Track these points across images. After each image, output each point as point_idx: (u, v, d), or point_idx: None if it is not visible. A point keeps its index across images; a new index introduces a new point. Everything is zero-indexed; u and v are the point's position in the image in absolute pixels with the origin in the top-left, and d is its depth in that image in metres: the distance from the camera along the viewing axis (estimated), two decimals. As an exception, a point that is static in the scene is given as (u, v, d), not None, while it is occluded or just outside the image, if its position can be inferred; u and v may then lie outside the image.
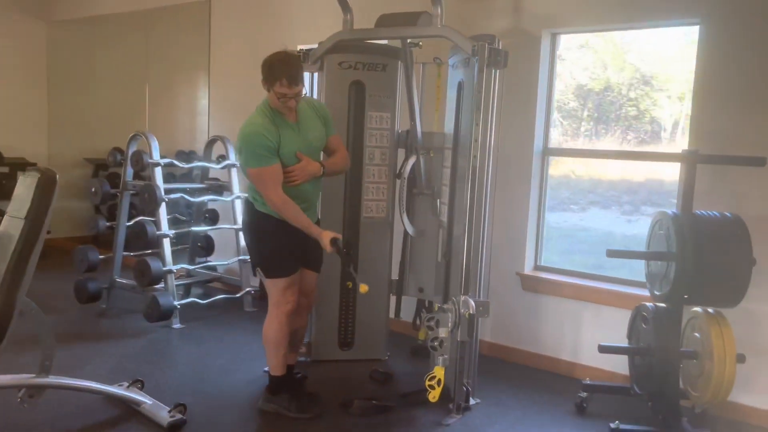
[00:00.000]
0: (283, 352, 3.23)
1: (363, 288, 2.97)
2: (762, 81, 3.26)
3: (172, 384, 3.61)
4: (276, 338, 3.19)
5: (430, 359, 3.87)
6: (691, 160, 3.03)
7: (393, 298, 4.08)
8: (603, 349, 3.25)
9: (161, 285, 4.55)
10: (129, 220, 4.81)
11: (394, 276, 4.06)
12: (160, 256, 4.57)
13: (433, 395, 3.22)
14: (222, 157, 5.20)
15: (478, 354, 3.51)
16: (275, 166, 2.96)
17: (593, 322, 3.85)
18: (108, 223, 4.80)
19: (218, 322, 4.76)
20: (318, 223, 3.33)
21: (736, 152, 3.21)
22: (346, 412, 3.29)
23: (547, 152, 4.09)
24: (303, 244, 3.18)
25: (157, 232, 4.52)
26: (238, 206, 5.09)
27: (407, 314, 4.13)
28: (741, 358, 3.01)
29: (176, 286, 4.67)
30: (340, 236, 3.07)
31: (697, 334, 3.14)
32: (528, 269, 4.12)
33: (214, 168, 5.13)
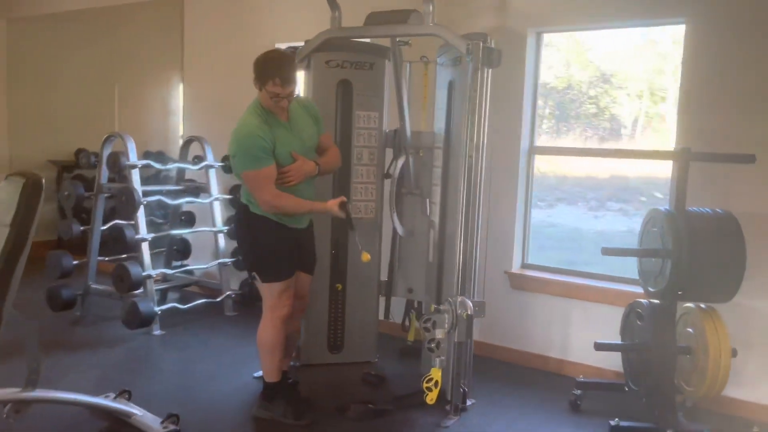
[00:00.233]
0: (278, 357, 3.16)
1: (365, 256, 2.99)
2: (747, 79, 3.32)
3: (160, 393, 3.50)
4: (271, 343, 3.12)
5: (421, 360, 3.87)
6: (684, 158, 3.06)
7: (381, 299, 4.04)
8: (599, 347, 3.26)
9: (140, 290, 4.41)
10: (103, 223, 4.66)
11: (383, 277, 4.02)
12: (139, 260, 4.42)
13: (431, 397, 3.19)
14: (198, 158, 5.08)
15: (472, 354, 3.50)
16: (271, 167, 2.89)
17: (581, 319, 3.88)
18: (82, 227, 4.62)
19: (199, 327, 4.64)
20: (312, 223, 3.26)
21: (722, 149, 3.26)
22: (343, 417, 3.24)
23: (534, 151, 4.10)
24: (299, 246, 3.11)
25: (136, 236, 4.37)
26: (217, 208, 4.97)
27: (396, 315, 4.10)
28: (733, 353, 3.06)
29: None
30: (345, 199, 3.06)
31: (690, 330, 3.19)
32: (516, 267, 4.13)
33: (191, 169, 5.00)
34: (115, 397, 3.21)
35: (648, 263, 3.22)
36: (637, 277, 3.72)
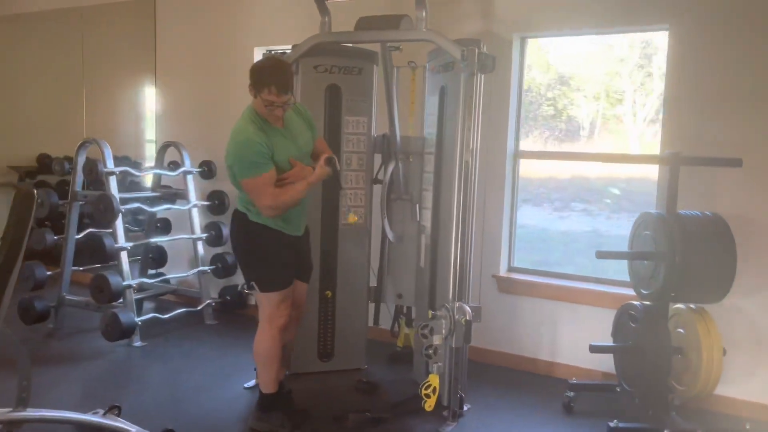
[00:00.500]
0: (275, 367, 3.10)
1: (352, 218, 3.01)
2: (730, 83, 3.41)
3: (149, 407, 3.39)
4: (269, 354, 3.06)
5: (413, 366, 3.86)
6: (675, 163, 3.13)
7: (371, 306, 4.02)
8: (594, 349, 3.31)
9: (119, 301, 4.27)
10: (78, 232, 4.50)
11: (373, 283, 3.99)
12: (118, 270, 4.28)
13: (429, 404, 3.19)
14: (175, 164, 4.96)
15: (467, 359, 3.50)
16: (271, 172, 2.84)
17: (569, 321, 3.92)
18: (56, 237, 4.45)
19: (181, 337, 4.53)
20: (307, 230, 3.21)
21: (707, 153, 3.35)
22: (342, 427, 3.20)
23: (519, 155, 4.14)
24: (297, 254, 3.07)
25: (115, 245, 4.24)
26: (196, 215, 4.86)
27: (384, 321, 4.08)
28: (723, 352, 3.14)
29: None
30: (331, 154, 3.06)
31: (680, 330, 3.25)
32: (503, 271, 4.15)
33: (169, 175, 4.88)
34: (104, 414, 3.09)
35: (640, 266, 3.28)
36: (616, 278, 3.84)
